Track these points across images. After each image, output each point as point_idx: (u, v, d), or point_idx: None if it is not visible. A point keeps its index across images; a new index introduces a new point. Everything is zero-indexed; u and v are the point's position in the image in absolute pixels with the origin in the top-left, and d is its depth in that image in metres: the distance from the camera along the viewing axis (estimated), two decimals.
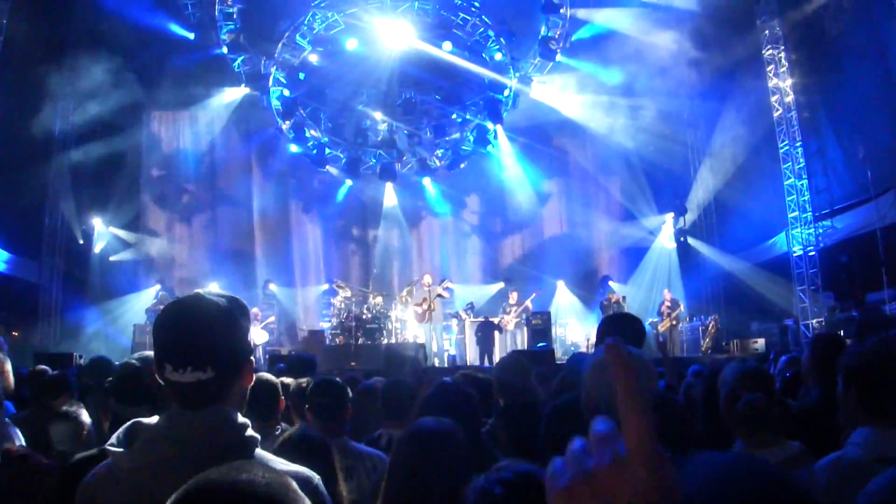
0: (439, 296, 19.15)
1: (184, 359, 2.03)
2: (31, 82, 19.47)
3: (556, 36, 22.25)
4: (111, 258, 23.46)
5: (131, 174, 23.79)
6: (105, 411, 4.75)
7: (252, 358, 2.22)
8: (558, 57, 22.47)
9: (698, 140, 23.76)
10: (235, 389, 2.14)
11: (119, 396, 3.28)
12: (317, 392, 4.62)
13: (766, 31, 20.60)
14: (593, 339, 21.69)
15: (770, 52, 20.51)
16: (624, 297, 20.69)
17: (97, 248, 23.23)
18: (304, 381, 5.58)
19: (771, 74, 20.45)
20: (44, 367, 7.03)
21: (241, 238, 24.67)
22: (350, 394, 4.83)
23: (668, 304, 19.74)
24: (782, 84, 20.32)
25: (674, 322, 19.44)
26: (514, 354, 6.23)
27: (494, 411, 5.43)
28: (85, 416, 4.79)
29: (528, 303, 20.16)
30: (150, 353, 3.07)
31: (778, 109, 20.33)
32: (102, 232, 23.31)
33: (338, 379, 4.83)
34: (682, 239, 24.11)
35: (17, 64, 18.68)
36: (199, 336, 2.06)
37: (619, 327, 4.37)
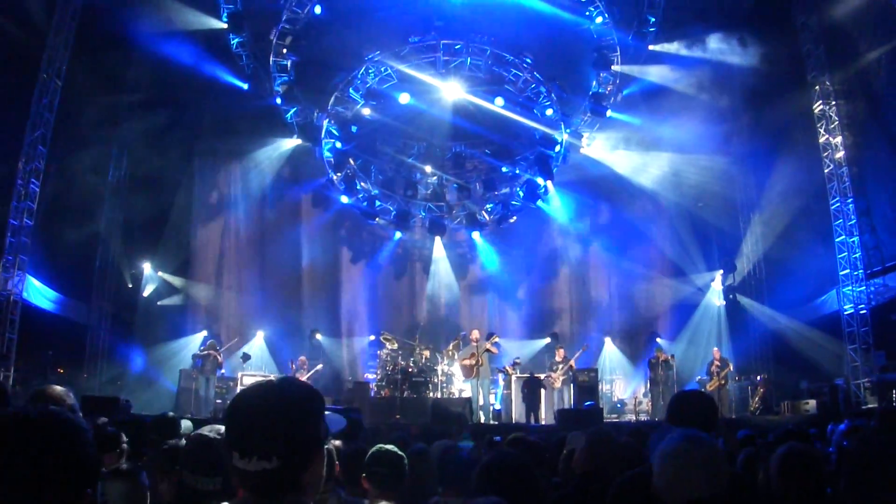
0: (487, 351, 19.08)
1: (250, 447, 2.05)
2: (87, 130, 19.95)
3: (607, 92, 22.41)
4: (159, 303, 23.81)
5: (181, 220, 24.26)
6: (164, 474, 4.74)
7: (324, 447, 2.23)
8: (609, 113, 22.49)
9: (748, 196, 23.60)
10: (308, 478, 2.14)
11: (190, 466, 3.32)
12: (374, 461, 4.62)
13: (817, 87, 20.53)
14: (640, 397, 21.56)
15: (821, 107, 20.39)
16: (673, 356, 20.59)
17: (146, 291, 23.61)
18: (356, 446, 5.53)
19: (822, 130, 20.30)
20: (103, 419, 7.04)
21: (288, 287, 24.84)
22: (406, 462, 4.82)
23: (717, 362, 19.51)
24: (833, 140, 20.14)
25: (722, 382, 19.18)
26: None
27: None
28: (144, 478, 4.79)
29: (573, 363, 20.03)
30: (219, 427, 3.06)
31: (829, 166, 20.12)
32: (151, 276, 23.69)
33: (394, 449, 4.80)
34: (731, 296, 23.96)
35: (74, 111, 19.18)
36: (265, 425, 2.07)
37: (690, 408, 4.28)
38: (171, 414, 7.40)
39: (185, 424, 7.37)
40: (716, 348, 20.63)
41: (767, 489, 3.99)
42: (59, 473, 1.77)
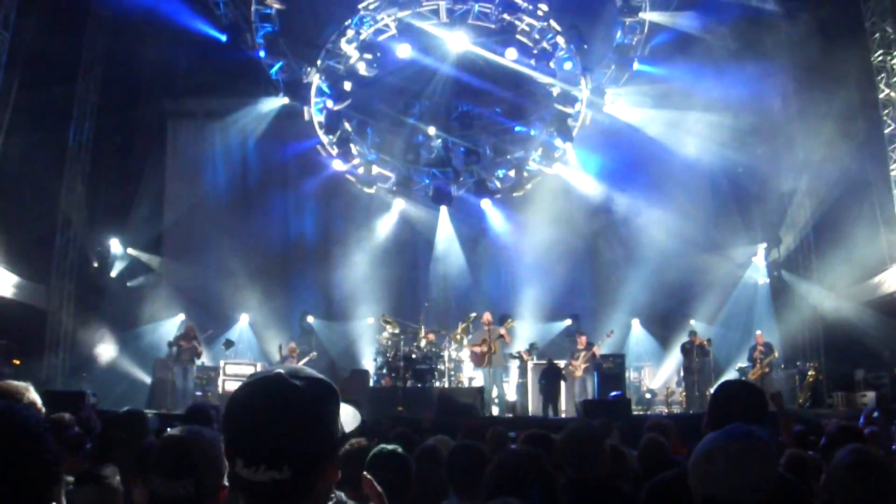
0: (501, 337, 19.06)
1: (257, 455, 1.97)
2: (41, 91, 19.67)
3: (634, 42, 22.24)
4: (129, 283, 23.80)
5: (153, 191, 24.13)
6: (135, 477, 4.68)
7: (339, 451, 2.17)
8: (636, 66, 22.34)
9: (795, 159, 23.30)
10: (319, 488, 2.07)
11: (157, 470, 3.29)
12: (377, 464, 4.57)
13: (877, 35, 19.97)
14: (672, 387, 21.55)
15: (881, 58, 19.93)
16: (709, 340, 20.58)
17: (114, 271, 23.54)
18: (354, 441, 5.50)
19: (881, 84, 19.93)
20: (65, 415, 6.94)
21: (275, 264, 24.87)
22: (410, 459, 4.85)
23: (760, 348, 19.48)
24: (894, 95, 19.78)
25: (766, 370, 19.16)
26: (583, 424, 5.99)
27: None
28: (118, 482, 4.74)
29: (597, 349, 20.06)
30: (199, 427, 3.00)
31: (889, 125, 19.81)
32: (120, 254, 23.64)
33: (398, 449, 4.81)
34: (775, 273, 23.82)
35: (26, 70, 18.98)
36: (275, 428, 1.98)
37: (737, 401, 4.18)
38: (138, 410, 7.36)
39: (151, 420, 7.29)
40: (759, 332, 20.55)
41: (827, 499, 3.90)
42: (16, 478, 1.72)
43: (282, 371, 2.09)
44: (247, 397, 2.06)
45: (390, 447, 4.84)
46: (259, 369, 14.78)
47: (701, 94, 21.72)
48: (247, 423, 2.02)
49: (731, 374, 20.71)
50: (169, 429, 3.66)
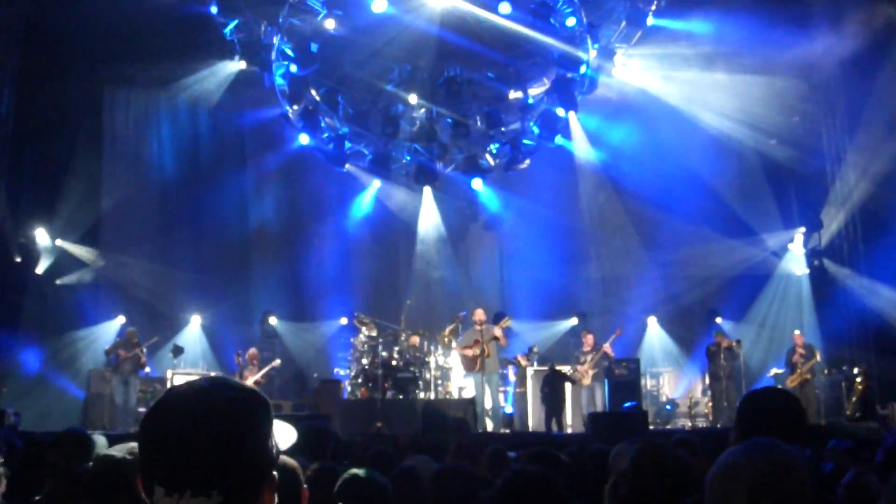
0: (495, 339, 18.75)
1: (180, 480, 1.94)
2: None
3: None
4: (58, 281, 23.29)
5: (87, 172, 23.63)
6: None
7: (274, 472, 2.11)
8: (650, 21, 22.07)
9: (837, 130, 23.20)
10: None
11: (95, 497, 3.14)
12: (347, 491, 4.57)
13: None
14: (696, 396, 21.44)
15: None
16: (738, 342, 20.50)
17: (40, 267, 22.98)
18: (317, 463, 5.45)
19: None
20: None
21: (232, 256, 24.82)
22: (388, 487, 4.78)
23: (801, 351, 19.38)
24: None
25: (807, 376, 19.02)
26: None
27: None
28: None
29: (608, 347, 19.79)
30: (133, 444, 2.98)
31: None
32: (47, 246, 23.06)
33: (371, 474, 4.75)
34: (816, 262, 23.65)
35: None
36: (198, 448, 1.94)
37: (770, 413, 4.09)
38: (79, 430, 7.19)
39: (100, 441, 7.14)
40: (797, 332, 20.39)
41: None
42: None
43: (201, 380, 2.10)
44: (165, 412, 2.04)
45: (362, 472, 4.77)
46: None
47: (728, 52, 21.52)
48: (164, 442, 1.98)
49: (765, 382, 20.65)
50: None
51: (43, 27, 20.98)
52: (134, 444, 3.22)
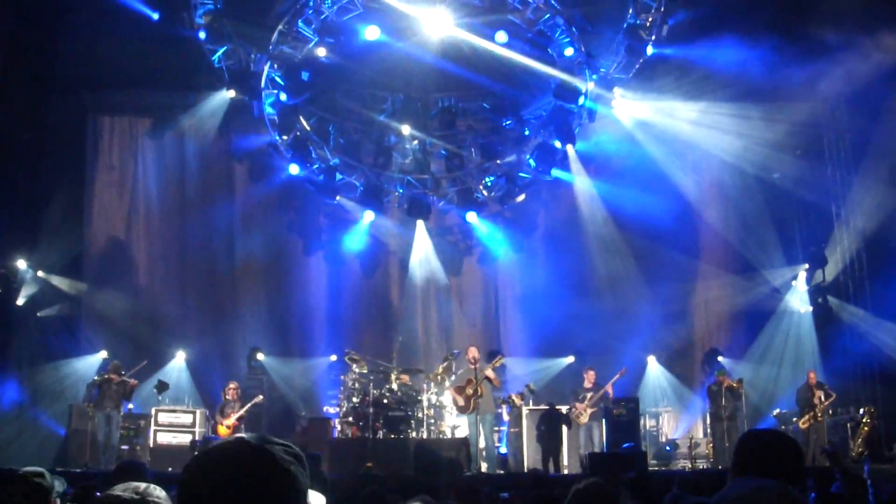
0: (488, 379, 18.52)
1: None
2: None
3: (648, 23, 21.98)
4: (39, 314, 23.18)
5: (70, 202, 23.63)
6: None
7: None
8: (650, 51, 22.13)
9: (844, 160, 23.19)
10: None
11: None
12: None
13: None
14: (697, 437, 21.31)
15: None
16: (740, 381, 20.46)
17: (20, 299, 22.78)
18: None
19: None
20: None
21: (219, 289, 24.78)
22: None
23: (819, 394, 19.28)
24: None
25: (819, 417, 18.99)
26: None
27: None
28: None
29: (609, 387, 19.74)
30: (149, 486, 2.91)
31: None
32: (28, 277, 22.90)
33: None
34: (819, 300, 23.63)
35: None
36: None
37: (766, 454, 4.03)
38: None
39: (57, 485, 6.86)
40: (812, 371, 20.42)
41: None
42: None
43: (247, 438, 2.12)
44: (206, 474, 2.04)
45: None
46: (199, 418, 14.66)
47: (730, 84, 21.60)
48: (209, 501, 2.00)
49: (767, 422, 20.58)
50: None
51: (25, 49, 20.93)
52: (139, 485, 3.11)
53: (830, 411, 20.77)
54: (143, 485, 2.76)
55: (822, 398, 19.34)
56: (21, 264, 22.62)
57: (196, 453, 2.13)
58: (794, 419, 20.13)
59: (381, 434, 19.00)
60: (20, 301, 22.71)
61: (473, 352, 18.98)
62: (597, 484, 5.81)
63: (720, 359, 22.69)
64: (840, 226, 23.36)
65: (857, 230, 22.84)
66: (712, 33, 21.39)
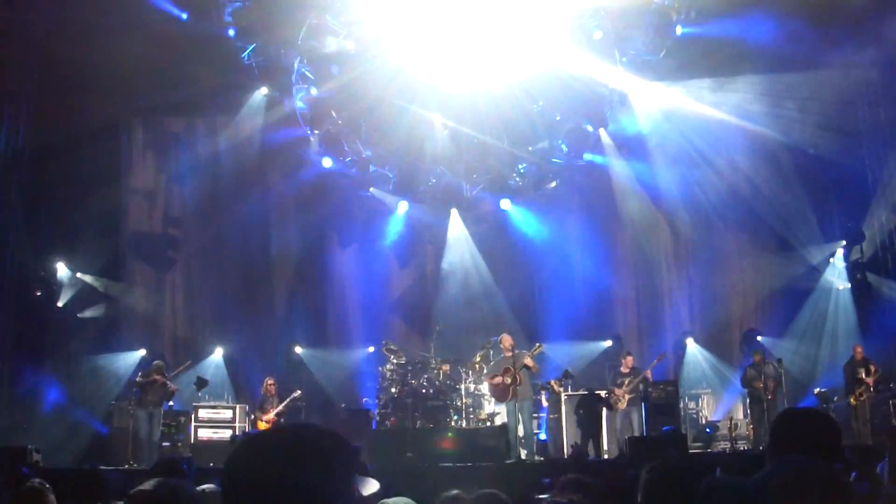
0: (526, 367, 18.30)
1: None
2: None
3: (676, 2, 21.84)
4: (79, 315, 23.39)
5: (107, 203, 23.78)
6: None
7: None
8: (679, 30, 22.01)
9: (883, 136, 22.95)
10: None
11: None
12: None
13: None
14: (737, 418, 21.27)
15: None
16: (780, 361, 20.22)
17: (61, 300, 23.13)
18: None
19: None
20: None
21: (255, 284, 24.76)
22: None
23: (863, 369, 19.19)
24: None
25: (861, 397, 18.94)
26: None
27: None
28: None
29: (648, 373, 19.80)
30: (174, 481, 2.95)
31: None
32: (68, 279, 23.23)
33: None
34: (858, 276, 23.42)
35: None
36: (290, 494, 2.01)
37: (802, 433, 4.10)
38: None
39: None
40: (858, 345, 20.32)
41: None
42: None
43: (285, 426, 2.26)
44: (246, 463, 2.09)
45: (402, 501, 4.81)
46: (239, 413, 14.71)
47: (760, 52, 21.47)
48: (249, 495, 2.04)
49: (809, 400, 20.49)
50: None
51: (58, 58, 21.10)
52: (167, 480, 3.27)
53: (872, 388, 20.73)
54: (172, 480, 2.89)
55: (872, 372, 19.23)
56: (61, 267, 22.94)
57: (239, 442, 2.24)
58: (836, 398, 20.03)
59: (420, 424, 18.99)
60: (60, 303, 23.01)
61: (508, 340, 18.79)
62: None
63: (759, 338, 22.60)
64: (877, 200, 23.01)
65: (895, 205, 22.73)
66: (742, 9, 21.25)
